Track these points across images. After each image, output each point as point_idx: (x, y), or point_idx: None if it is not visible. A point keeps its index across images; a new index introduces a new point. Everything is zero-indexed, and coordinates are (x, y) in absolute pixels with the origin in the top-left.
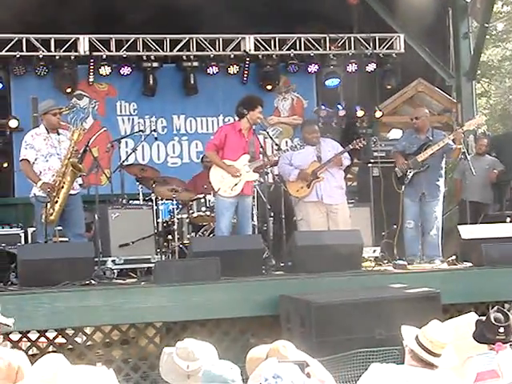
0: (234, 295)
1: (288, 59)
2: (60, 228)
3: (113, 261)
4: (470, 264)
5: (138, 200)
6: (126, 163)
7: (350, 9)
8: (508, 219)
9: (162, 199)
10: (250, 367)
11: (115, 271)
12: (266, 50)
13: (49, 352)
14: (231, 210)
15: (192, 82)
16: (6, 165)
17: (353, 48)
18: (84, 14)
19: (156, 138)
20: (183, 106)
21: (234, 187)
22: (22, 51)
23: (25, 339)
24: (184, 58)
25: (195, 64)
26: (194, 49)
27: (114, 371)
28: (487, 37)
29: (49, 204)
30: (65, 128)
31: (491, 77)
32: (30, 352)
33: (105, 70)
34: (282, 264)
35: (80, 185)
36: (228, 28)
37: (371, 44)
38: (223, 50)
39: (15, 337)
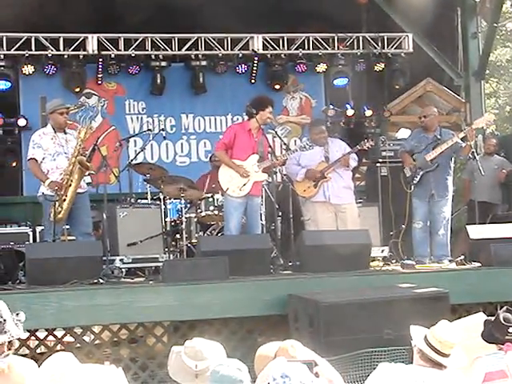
0: (242, 294)
1: (296, 58)
2: (67, 227)
3: (121, 260)
4: (479, 264)
5: (147, 199)
6: (134, 162)
7: (359, 8)
8: None
9: (170, 198)
10: (258, 366)
11: (123, 270)
12: (275, 49)
13: (57, 351)
14: (240, 210)
15: (200, 81)
16: (14, 164)
17: (361, 47)
18: (92, 14)
19: (164, 138)
20: (192, 105)
21: (243, 187)
22: (31, 50)
23: (33, 338)
24: (192, 57)
25: (203, 63)
26: (203, 48)
27: (122, 370)
28: (496, 37)
29: (57, 202)
30: (72, 127)
31: (500, 77)
32: (38, 350)
33: (113, 69)
34: (290, 263)
35: (89, 183)
36: (236, 27)
37: (379, 43)
38: (231, 50)
39: (23, 335)
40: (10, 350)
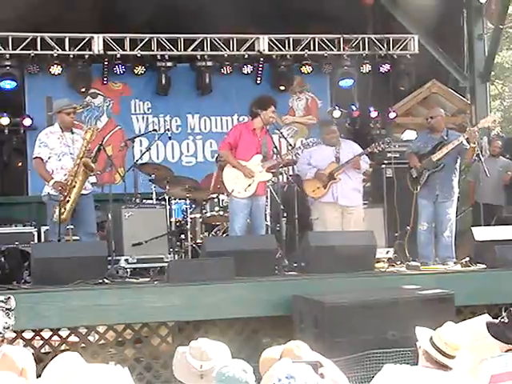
0: (247, 295)
1: (302, 59)
2: (72, 226)
3: (126, 260)
4: (484, 266)
5: (152, 199)
6: (139, 162)
7: (365, 9)
8: None
9: (175, 199)
10: (263, 367)
11: (128, 270)
12: (280, 50)
13: (61, 351)
14: (245, 210)
15: (206, 81)
16: (19, 163)
17: (367, 49)
18: (98, 14)
19: (170, 138)
20: (197, 105)
21: (248, 188)
22: (37, 50)
23: (37, 337)
24: (198, 57)
25: (209, 64)
26: (208, 48)
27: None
28: (501, 39)
29: (60, 203)
30: (78, 127)
31: (505, 79)
32: (43, 350)
33: (119, 69)
34: (295, 264)
35: (94, 183)
36: (242, 28)
37: (385, 45)
38: (237, 50)
39: (28, 335)
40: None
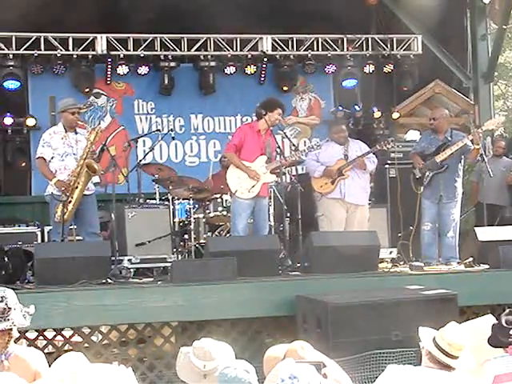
0: (251, 295)
1: (305, 60)
2: (75, 226)
3: (129, 260)
4: (487, 266)
5: (155, 199)
6: (143, 162)
7: (368, 10)
8: None
9: (178, 199)
10: (266, 367)
11: (131, 270)
12: (284, 50)
13: (65, 351)
14: (248, 211)
15: (210, 81)
16: (23, 163)
17: (370, 49)
18: (102, 14)
19: (173, 138)
20: (201, 105)
21: (252, 189)
22: (40, 50)
23: (41, 337)
24: (201, 57)
25: (212, 64)
26: (212, 49)
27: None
28: (505, 39)
29: (63, 203)
30: (82, 127)
31: (509, 79)
32: (46, 350)
33: (122, 69)
34: (299, 264)
35: (97, 183)
36: (245, 28)
37: (388, 45)
38: (241, 50)
39: (32, 335)
40: (10, 338)
